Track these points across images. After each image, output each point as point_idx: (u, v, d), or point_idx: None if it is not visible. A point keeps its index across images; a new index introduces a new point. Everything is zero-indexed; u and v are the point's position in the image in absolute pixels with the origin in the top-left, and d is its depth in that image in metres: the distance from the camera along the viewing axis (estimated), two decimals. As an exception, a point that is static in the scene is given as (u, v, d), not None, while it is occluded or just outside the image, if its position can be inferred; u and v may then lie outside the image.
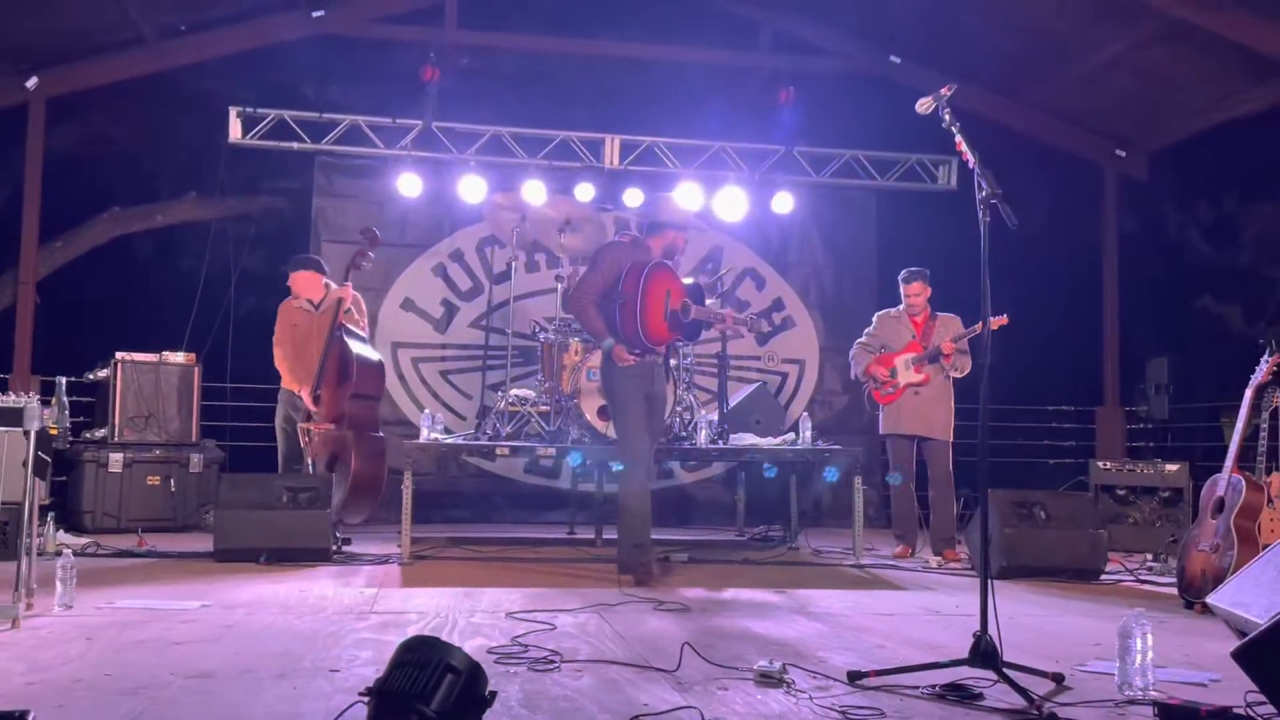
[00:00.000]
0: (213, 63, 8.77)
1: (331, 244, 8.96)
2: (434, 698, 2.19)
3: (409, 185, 8.54)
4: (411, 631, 3.87)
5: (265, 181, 9.50)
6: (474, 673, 2.28)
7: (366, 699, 2.28)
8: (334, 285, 7.00)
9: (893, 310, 7.03)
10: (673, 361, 6.36)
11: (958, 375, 6.77)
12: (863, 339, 7.06)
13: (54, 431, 5.86)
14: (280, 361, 6.90)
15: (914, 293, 6.87)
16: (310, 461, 6.59)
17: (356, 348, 6.67)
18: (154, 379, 7.67)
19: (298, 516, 5.87)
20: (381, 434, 6.93)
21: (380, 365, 6.92)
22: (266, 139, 8.70)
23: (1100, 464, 7.81)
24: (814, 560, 6.67)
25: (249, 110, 8.64)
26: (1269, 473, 5.16)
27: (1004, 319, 6.33)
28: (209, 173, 9.20)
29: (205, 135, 9.07)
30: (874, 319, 7.09)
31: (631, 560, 5.45)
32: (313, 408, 6.61)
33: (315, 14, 8.51)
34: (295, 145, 8.74)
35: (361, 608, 4.49)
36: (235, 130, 8.63)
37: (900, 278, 6.96)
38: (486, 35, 9.27)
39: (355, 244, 8.61)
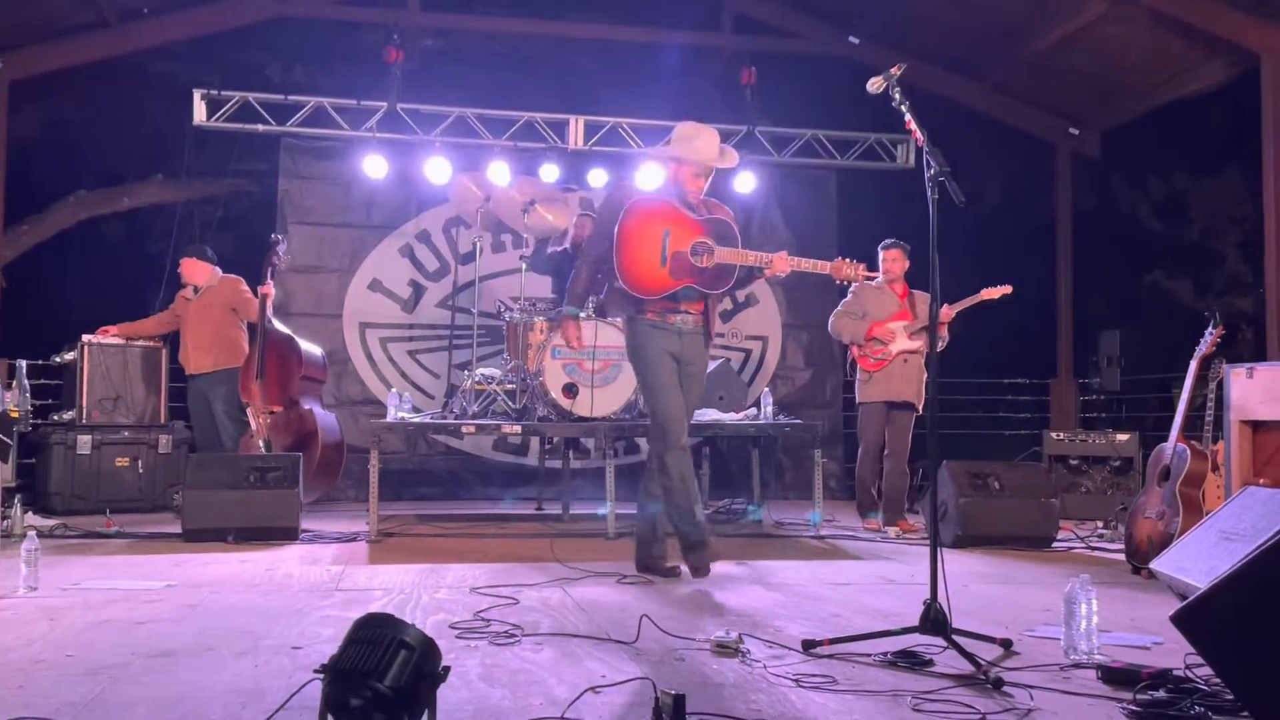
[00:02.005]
0: (176, 45, 8.74)
1: (298, 225, 8.99)
2: (387, 674, 2.21)
3: (375, 167, 8.58)
4: (375, 608, 3.93)
5: (231, 164, 9.48)
6: (427, 649, 2.32)
7: (321, 676, 2.31)
8: (219, 271, 7.44)
9: (872, 281, 7.05)
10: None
11: (938, 349, 6.80)
12: (842, 309, 7.01)
13: (14, 414, 5.95)
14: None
15: (892, 258, 6.87)
16: (263, 443, 6.78)
17: (296, 336, 7.22)
18: (121, 361, 7.68)
19: (265, 496, 5.92)
20: (332, 414, 7.41)
21: (321, 353, 7.51)
22: (231, 121, 8.68)
23: (1054, 435, 7.98)
24: (775, 532, 6.78)
25: (213, 93, 8.62)
26: (1214, 441, 5.32)
27: (1008, 288, 6.47)
28: (175, 155, 9.19)
29: (171, 118, 9.04)
30: (851, 290, 6.97)
31: (688, 540, 4.84)
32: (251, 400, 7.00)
33: (277, -7, 8.51)
34: (260, 127, 8.73)
35: (327, 585, 4.54)
36: (200, 113, 8.62)
37: (881, 245, 6.95)
38: (450, 17, 9.31)
39: (322, 225, 8.80)
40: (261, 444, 6.85)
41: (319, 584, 4.58)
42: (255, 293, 7.14)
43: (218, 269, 7.48)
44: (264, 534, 5.85)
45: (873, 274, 5.01)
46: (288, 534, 5.91)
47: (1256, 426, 5.08)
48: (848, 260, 4.80)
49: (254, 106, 8.66)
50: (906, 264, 6.91)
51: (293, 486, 5.98)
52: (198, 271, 7.40)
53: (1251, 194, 8.17)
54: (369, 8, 9.05)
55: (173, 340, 7.72)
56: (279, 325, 7.22)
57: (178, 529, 6.02)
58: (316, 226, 9.07)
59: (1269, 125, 7.45)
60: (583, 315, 6.63)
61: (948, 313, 6.58)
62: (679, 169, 4.83)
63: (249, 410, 6.97)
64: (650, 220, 4.75)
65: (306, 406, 7.04)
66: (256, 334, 7.08)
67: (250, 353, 7.07)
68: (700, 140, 4.79)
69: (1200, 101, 8.39)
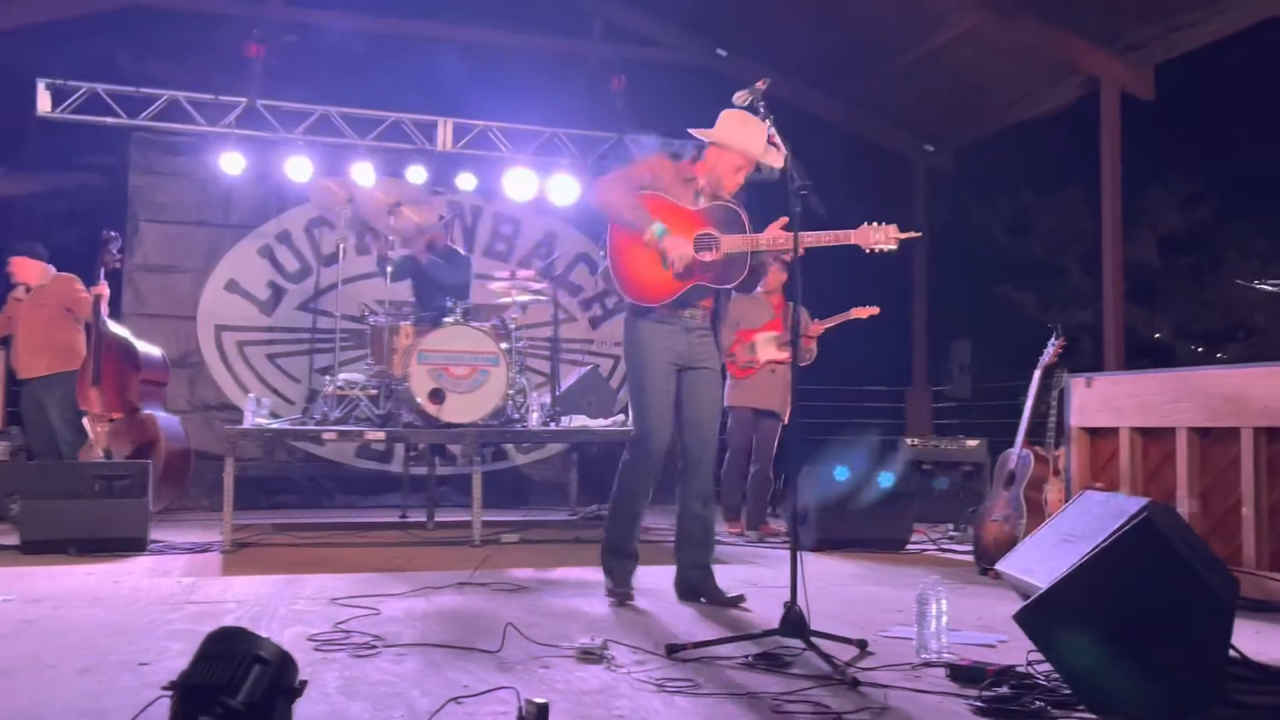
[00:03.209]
0: (20, 31, 8.32)
1: (150, 223, 8.69)
2: (240, 689, 2.15)
3: (232, 164, 8.31)
4: (229, 621, 3.80)
5: (78, 157, 9.07)
6: (283, 663, 2.27)
7: (170, 693, 2.23)
8: (53, 270, 7.13)
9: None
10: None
11: (806, 363, 6.93)
12: None
13: None
14: None
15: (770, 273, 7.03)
16: (103, 452, 6.52)
17: (133, 338, 6.99)
18: (-46, 365, 7.28)
19: (112, 505, 5.67)
20: (177, 418, 7.15)
21: (161, 354, 7.26)
22: (79, 113, 8.29)
23: (909, 440, 8.27)
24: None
25: (59, 82, 8.21)
26: (1057, 447, 5.58)
27: (875, 309, 6.62)
28: (17, 147, 8.73)
29: (13, 108, 8.58)
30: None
31: (610, 568, 4.57)
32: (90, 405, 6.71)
33: (130, -17, 8.16)
34: (110, 120, 8.36)
35: (177, 598, 4.38)
36: (44, 103, 8.20)
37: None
38: (313, 12, 9.11)
39: (176, 223, 8.47)
40: (101, 453, 6.56)
41: (168, 597, 4.41)
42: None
43: (50, 267, 7.14)
44: (109, 545, 5.61)
45: (912, 234, 4.36)
46: (135, 545, 5.68)
47: (1094, 433, 5.35)
48: (874, 225, 4.24)
49: (103, 98, 8.29)
50: (784, 276, 7.04)
51: (141, 495, 5.74)
52: (29, 270, 7.07)
53: (1092, 211, 8.64)
54: (229, -1, 8.79)
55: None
56: (114, 327, 6.93)
57: (15, 540, 5.71)
58: (170, 224, 8.75)
59: (1107, 146, 7.88)
60: (449, 321, 6.58)
61: (817, 328, 6.76)
62: (719, 157, 4.32)
63: (86, 419, 6.67)
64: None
65: (147, 412, 6.79)
66: (90, 337, 6.79)
67: (86, 357, 6.76)
68: (752, 128, 4.24)
69: (1047, 122, 8.84)
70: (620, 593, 4.48)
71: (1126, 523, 2.83)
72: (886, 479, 6.44)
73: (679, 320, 4.37)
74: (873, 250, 4.25)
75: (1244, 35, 7.40)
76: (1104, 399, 5.23)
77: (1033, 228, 9.61)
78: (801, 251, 3.99)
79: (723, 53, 9.45)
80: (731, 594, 4.44)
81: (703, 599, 4.47)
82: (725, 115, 4.32)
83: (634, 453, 4.45)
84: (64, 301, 6.98)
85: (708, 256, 4.27)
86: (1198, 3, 7.22)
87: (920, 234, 4.31)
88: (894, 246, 4.26)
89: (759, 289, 7.03)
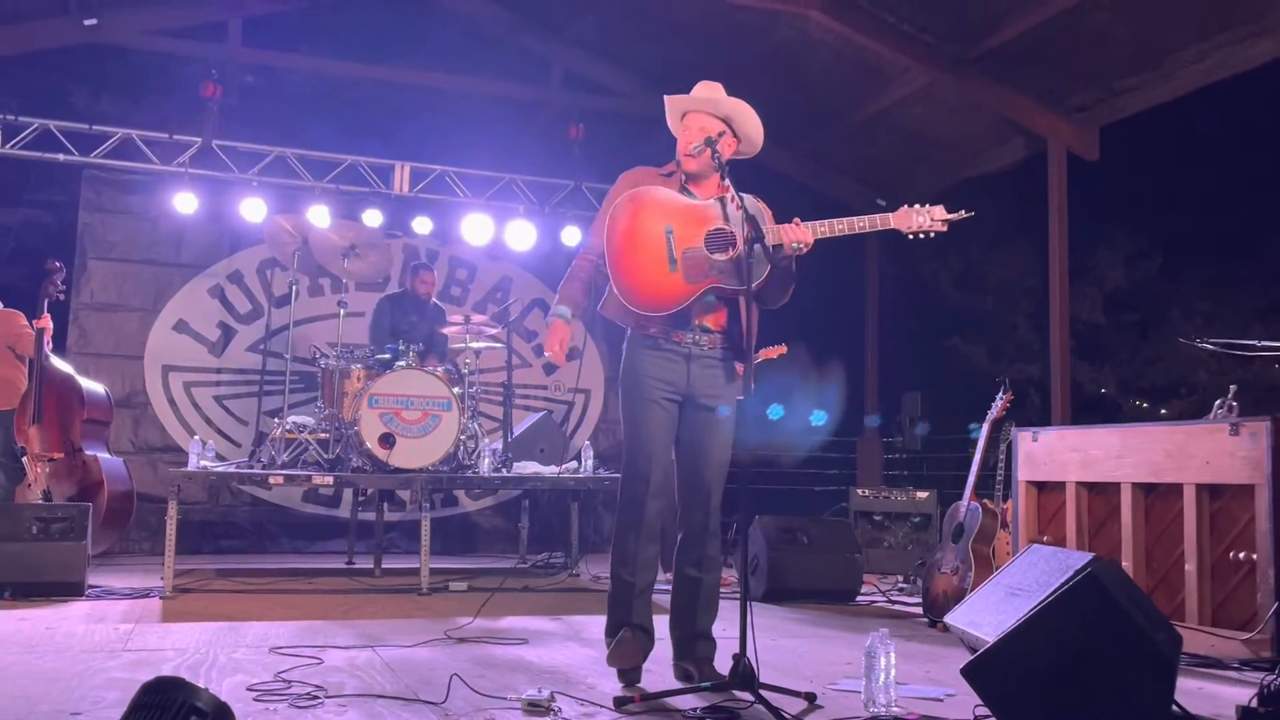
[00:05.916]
0: (-30, 66, 8.21)
1: (99, 261, 8.56)
2: (175, 741, 2.13)
3: (185, 203, 8.23)
4: (167, 670, 3.73)
5: (27, 193, 8.93)
6: (220, 714, 2.23)
7: (104, 743, 2.18)
8: None
9: None
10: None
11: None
12: None
13: None
14: None
15: None
16: (42, 493, 6.36)
17: (78, 375, 6.86)
18: (-112, 400, 7.07)
19: (49, 548, 5.53)
20: (120, 459, 6.99)
21: (105, 392, 7.10)
22: (30, 149, 8.18)
23: (859, 491, 8.31)
24: (593, 586, 6.78)
25: (10, 118, 8.10)
26: (1005, 500, 5.64)
27: (783, 348, 6.66)
28: (-38, 181, 8.59)
29: (-40, 142, 8.46)
30: None
31: (612, 638, 3.80)
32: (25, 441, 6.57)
33: (87, 22, 8.08)
34: (61, 157, 8.26)
35: (113, 645, 4.27)
36: (-6, 139, 8.10)
37: None
38: (272, 54, 9.07)
39: (126, 261, 8.34)
40: (40, 494, 6.39)
41: (105, 644, 4.30)
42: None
43: None
44: (45, 589, 5.47)
45: (962, 214, 3.72)
46: (72, 589, 5.54)
47: (1041, 487, 5.41)
48: (917, 206, 3.67)
49: (55, 135, 8.20)
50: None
51: (79, 539, 5.61)
52: None
53: (1040, 268, 8.81)
54: (187, 40, 8.74)
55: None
56: (57, 362, 6.77)
57: (-54, 585, 5.55)
58: (119, 263, 8.63)
59: (1054, 204, 8.05)
60: (401, 365, 6.54)
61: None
62: (683, 134, 3.96)
63: (26, 458, 6.50)
64: (646, 217, 3.74)
65: (91, 453, 6.63)
66: (32, 372, 6.61)
67: (26, 393, 6.60)
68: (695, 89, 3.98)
69: (996, 179, 9.02)
70: (620, 676, 3.73)
71: (1071, 578, 2.86)
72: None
73: (678, 346, 3.76)
74: (915, 235, 3.74)
75: (1186, 100, 7.63)
76: (1050, 453, 5.29)
77: (983, 283, 9.78)
78: (934, 226, 3.60)
79: (681, 105, 9.56)
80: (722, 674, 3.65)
81: (689, 667, 3.78)
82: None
83: (621, 499, 3.90)
84: (6, 338, 6.82)
85: (723, 256, 3.69)
86: (1142, 67, 7.44)
87: (972, 213, 3.66)
88: (942, 229, 3.69)
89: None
